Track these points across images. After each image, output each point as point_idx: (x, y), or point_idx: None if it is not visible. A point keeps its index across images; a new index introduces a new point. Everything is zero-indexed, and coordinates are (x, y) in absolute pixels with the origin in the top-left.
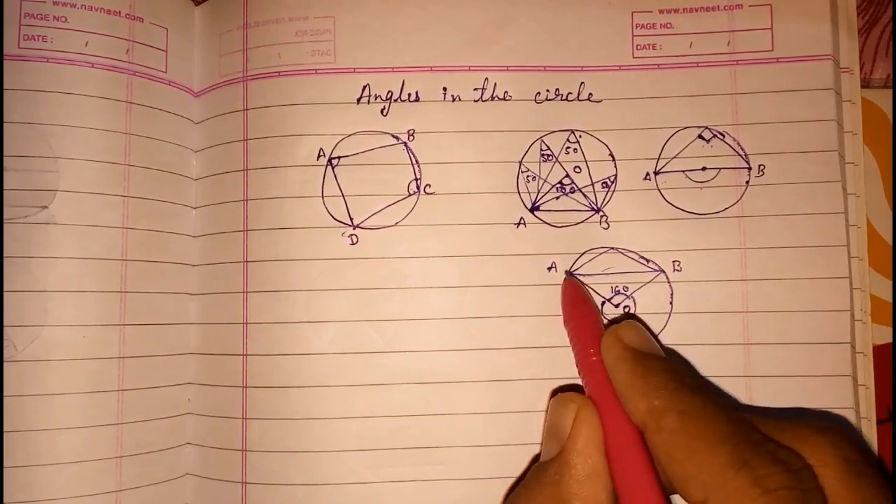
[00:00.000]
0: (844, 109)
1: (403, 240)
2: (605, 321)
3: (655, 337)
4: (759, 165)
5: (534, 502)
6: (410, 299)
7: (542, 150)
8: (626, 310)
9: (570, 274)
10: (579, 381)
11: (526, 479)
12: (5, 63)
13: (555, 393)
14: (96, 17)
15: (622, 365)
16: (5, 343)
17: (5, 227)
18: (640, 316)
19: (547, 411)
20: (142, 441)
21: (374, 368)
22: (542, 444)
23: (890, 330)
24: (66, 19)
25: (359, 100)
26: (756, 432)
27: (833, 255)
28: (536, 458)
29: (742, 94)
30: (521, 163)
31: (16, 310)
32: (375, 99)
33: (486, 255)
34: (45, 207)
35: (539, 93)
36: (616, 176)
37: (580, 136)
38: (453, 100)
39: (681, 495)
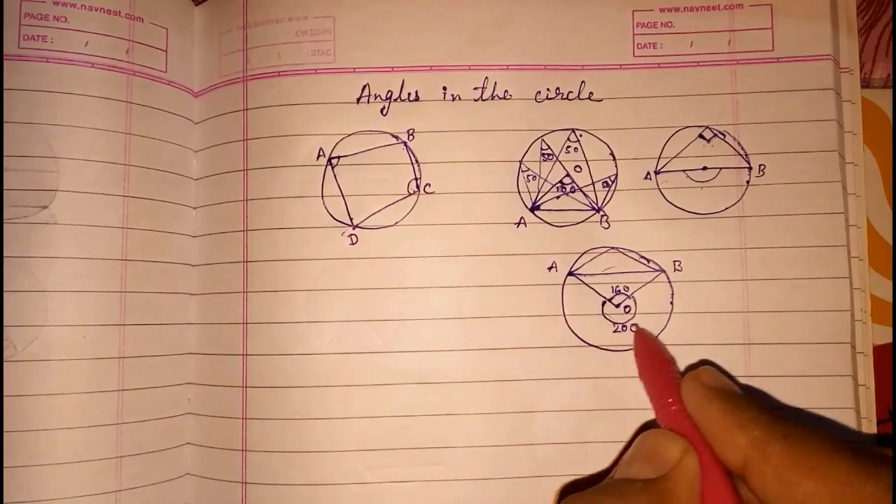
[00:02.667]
0: (844, 109)
1: (403, 239)
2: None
3: (731, 378)
4: (760, 165)
5: None
6: (410, 299)
7: (542, 149)
8: (627, 310)
9: (638, 326)
10: (577, 379)
11: (605, 486)
12: (5, 63)
13: (641, 430)
14: (96, 17)
15: (709, 405)
16: (5, 343)
17: (5, 227)
18: (641, 316)
19: (634, 437)
20: (142, 441)
21: (374, 368)
22: (624, 463)
23: (890, 330)
24: (66, 19)
25: (358, 99)
26: (857, 444)
27: (833, 255)
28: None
29: (742, 94)
30: (521, 162)
31: (16, 310)
32: (375, 99)
33: (486, 254)
34: (45, 207)
35: (539, 92)
36: (616, 175)
37: (581, 136)
38: (453, 99)
39: None
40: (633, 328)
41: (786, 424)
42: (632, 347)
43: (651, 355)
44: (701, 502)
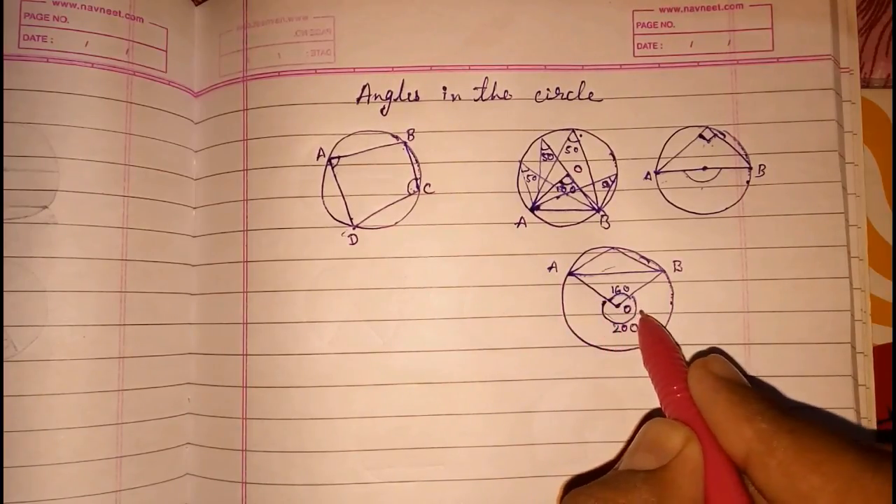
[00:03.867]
0: (844, 109)
1: (403, 239)
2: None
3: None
4: (760, 165)
5: (624, 500)
6: (410, 299)
7: (542, 149)
8: (627, 310)
9: (643, 312)
10: (577, 379)
11: (607, 479)
12: (5, 63)
13: (646, 418)
14: (96, 17)
15: (717, 395)
16: (5, 343)
17: (5, 227)
18: None
19: (639, 426)
20: (142, 441)
21: (374, 368)
22: (628, 454)
23: (890, 330)
24: (66, 19)
25: (358, 99)
26: (866, 443)
27: (833, 255)
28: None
29: (742, 94)
30: (521, 162)
31: (16, 310)
32: (375, 98)
33: (486, 254)
34: (45, 207)
35: (539, 92)
36: (617, 175)
37: (581, 136)
38: (453, 99)
39: None
40: (639, 314)
41: (792, 419)
42: (634, 346)
43: (657, 342)
44: (705, 491)
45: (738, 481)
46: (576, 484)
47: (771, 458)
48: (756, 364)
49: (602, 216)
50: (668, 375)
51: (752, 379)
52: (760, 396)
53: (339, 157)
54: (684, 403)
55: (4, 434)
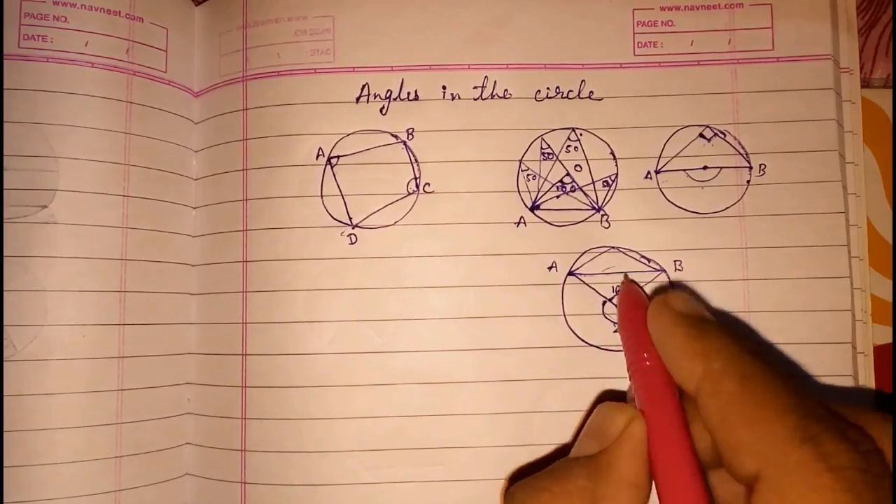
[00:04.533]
0: (844, 109)
1: (403, 239)
2: None
3: (707, 306)
4: (760, 165)
5: (559, 489)
6: (410, 299)
7: (542, 148)
8: None
9: (627, 276)
10: (577, 379)
11: (548, 469)
12: (5, 63)
13: (599, 401)
14: (96, 17)
15: (675, 329)
16: (5, 343)
17: (5, 227)
18: None
19: (588, 413)
20: (141, 441)
21: (373, 368)
22: (576, 443)
23: (890, 330)
24: (66, 19)
25: (358, 99)
26: (822, 407)
27: (833, 255)
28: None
29: (743, 93)
30: (521, 161)
31: (16, 310)
32: (375, 98)
33: (486, 254)
34: (45, 207)
35: (539, 91)
36: (617, 175)
37: (581, 135)
38: (453, 98)
39: (727, 467)
40: (623, 276)
41: (749, 362)
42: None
43: (635, 307)
44: (653, 469)
45: (691, 457)
46: (520, 476)
47: (712, 400)
48: None
49: (602, 216)
50: (640, 342)
51: (734, 320)
52: (723, 332)
53: (338, 157)
54: (650, 372)
55: (4, 434)
